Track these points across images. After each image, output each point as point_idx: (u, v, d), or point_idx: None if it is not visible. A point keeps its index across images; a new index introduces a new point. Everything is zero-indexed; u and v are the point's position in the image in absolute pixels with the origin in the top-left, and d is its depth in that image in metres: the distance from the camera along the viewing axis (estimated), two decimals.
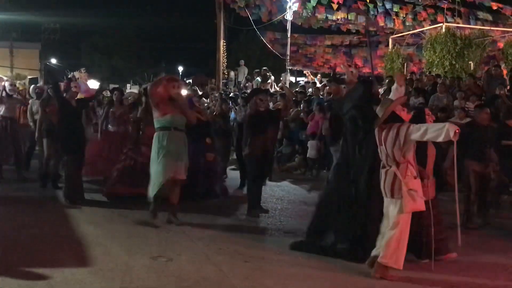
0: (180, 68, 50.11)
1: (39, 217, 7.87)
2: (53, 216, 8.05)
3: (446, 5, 24.95)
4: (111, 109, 10.67)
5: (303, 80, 25.60)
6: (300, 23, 27.90)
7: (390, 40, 24.57)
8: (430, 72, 18.36)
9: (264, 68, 25.00)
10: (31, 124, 10.99)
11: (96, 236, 7.03)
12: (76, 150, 8.87)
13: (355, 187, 6.28)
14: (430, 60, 19.25)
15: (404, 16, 26.62)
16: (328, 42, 30.34)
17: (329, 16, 26.78)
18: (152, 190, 7.60)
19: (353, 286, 5.48)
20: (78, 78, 11.43)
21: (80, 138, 9.02)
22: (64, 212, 8.26)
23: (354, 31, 28.61)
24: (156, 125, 7.69)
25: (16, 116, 11.16)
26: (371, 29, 27.21)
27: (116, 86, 17.15)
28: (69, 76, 11.30)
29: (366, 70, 30.06)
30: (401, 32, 25.07)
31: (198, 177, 9.18)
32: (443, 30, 19.64)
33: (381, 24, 26.85)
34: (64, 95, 8.96)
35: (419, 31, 23.53)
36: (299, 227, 7.42)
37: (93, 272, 5.65)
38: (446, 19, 23.33)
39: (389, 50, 23.47)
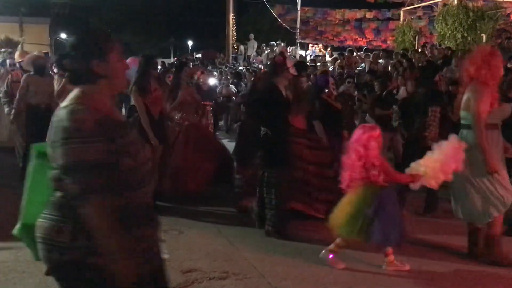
0: (190, 43, 49.87)
1: None
2: None
3: None
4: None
5: (309, 54, 25.40)
6: None
7: (402, 13, 24.28)
8: (441, 45, 18.18)
9: (277, 42, 24.88)
10: None
11: None
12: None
13: None
14: (442, 33, 19.05)
15: None
16: (338, 16, 29.95)
17: None
18: None
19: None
20: None
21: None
22: None
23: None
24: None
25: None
26: None
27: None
28: None
29: (378, 43, 29.81)
30: (413, 4, 24.75)
31: None
32: (455, 2, 19.38)
33: None
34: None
35: (430, 3, 23.22)
36: None
37: None
38: None
39: (400, 23, 23.21)
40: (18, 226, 2.66)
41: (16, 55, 11.55)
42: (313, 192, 6.63)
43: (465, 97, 5.29)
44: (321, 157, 6.78)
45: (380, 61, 16.61)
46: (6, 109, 9.45)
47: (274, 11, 29.33)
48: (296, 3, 26.46)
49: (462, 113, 5.33)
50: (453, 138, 5.14)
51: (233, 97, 15.04)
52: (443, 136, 5.67)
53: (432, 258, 5.55)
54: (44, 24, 37.97)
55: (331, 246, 5.24)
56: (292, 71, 6.34)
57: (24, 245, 5.43)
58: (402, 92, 9.67)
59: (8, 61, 11.36)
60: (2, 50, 12.53)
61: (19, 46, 21.98)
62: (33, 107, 8.64)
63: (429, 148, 5.35)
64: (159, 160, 7.02)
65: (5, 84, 9.60)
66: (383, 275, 5.09)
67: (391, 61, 15.79)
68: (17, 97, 8.80)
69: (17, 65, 10.81)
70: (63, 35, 43.24)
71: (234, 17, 27.70)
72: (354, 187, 4.99)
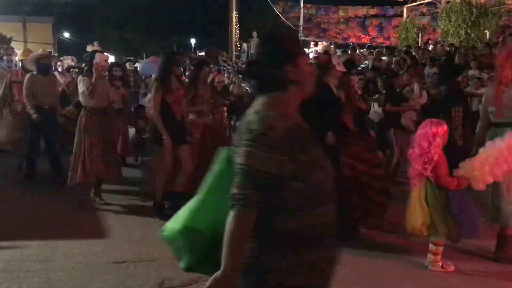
0: (193, 41, 49.91)
1: (58, 192, 7.92)
2: (70, 190, 7.84)
3: None
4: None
5: (311, 51, 25.36)
6: None
7: (405, 10, 24.22)
8: (445, 42, 18.13)
9: None
10: None
11: (112, 208, 7.13)
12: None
13: None
14: (445, 30, 19.00)
15: None
16: (342, 13, 29.89)
17: None
18: None
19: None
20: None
21: None
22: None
23: None
24: None
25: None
26: None
27: (130, 58, 17.06)
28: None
29: (381, 40, 29.76)
30: (416, 1, 24.69)
31: None
32: None
33: None
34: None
35: (434, 0, 23.17)
36: None
37: (110, 243, 5.75)
38: None
39: (404, 19, 23.16)
40: (175, 227, 2.39)
41: (19, 53, 10.83)
42: (367, 193, 6.36)
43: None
44: (373, 157, 6.59)
45: (383, 58, 16.59)
46: (6, 110, 8.99)
47: (277, 9, 29.30)
48: (299, 1, 26.41)
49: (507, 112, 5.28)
50: (509, 136, 4.97)
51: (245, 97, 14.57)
52: (466, 135, 5.60)
53: (464, 260, 5.40)
54: (48, 23, 38.06)
55: (429, 257, 5.10)
56: (340, 68, 6.22)
57: (27, 244, 5.52)
58: (416, 90, 9.69)
59: (5, 58, 10.82)
60: None
61: (21, 44, 21.92)
62: (37, 108, 8.32)
63: (460, 148, 5.23)
64: (175, 162, 6.77)
65: (4, 84, 9.10)
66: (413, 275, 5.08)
67: (394, 58, 15.77)
68: (24, 98, 8.42)
69: (18, 64, 10.37)
70: (66, 34, 43.34)
71: (237, 15, 27.68)
72: (418, 183, 4.93)
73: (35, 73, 8.45)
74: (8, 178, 8.67)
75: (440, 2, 21.61)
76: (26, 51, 9.52)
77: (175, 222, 2.45)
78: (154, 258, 5.28)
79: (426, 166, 4.78)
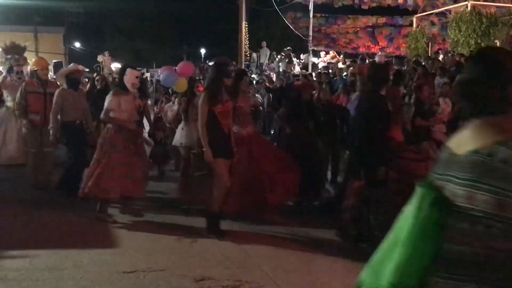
0: (202, 50, 50.11)
1: (68, 202, 7.85)
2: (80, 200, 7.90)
3: None
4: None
5: (323, 61, 25.37)
6: (322, 2, 27.37)
7: (414, 19, 24.19)
8: (455, 52, 18.09)
9: (288, 48, 24.85)
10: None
11: (121, 218, 7.14)
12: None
13: None
14: (455, 39, 18.94)
15: None
16: (351, 24, 29.87)
17: None
18: None
19: None
20: (102, 62, 10.89)
21: None
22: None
23: (376, 6, 27.60)
24: None
25: None
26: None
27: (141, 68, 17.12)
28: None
29: (390, 50, 29.71)
30: (425, 11, 24.65)
31: None
32: (468, 8, 19.29)
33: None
34: None
35: (443, 10, 23.13)
36: None
37: (119, 253, 5.75)
38: None
39: (413, 29, 23.13)
40: (379, 284, 2.12)
41: (32, 63, 10.21)
42: None
43: None
44: (423, 168, 6.40)
45: (359, 64, 16.57)
46: (24, 121, 8.69)
47: (286, 19, 29.34)
48: (308, 10, 26.41)
49: None
50: None
51: (260, 107, 14.14)
52: None
53: None
54: (59, 33, 38.41)
55: None
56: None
57: (37, 253, 5.53)
58: (442, 104, 9.67)
59: (15, 69, 10.68)
60: (9, 56, 11.64)
61: (32, 54, 22.03)
62: (68, 124, 8.08)
63: None
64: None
65: (19, 94, 8.74)
66: None
67: (404, 68, 15.73)
68: (51, 113, 8.07)
69: (27, 73, 10.13)
70: (77, 44, 43.68)
71: (246, 25, 27.74)
72: None
73: (65, 87, 8.21)
74: (17, 188, 8.66)
75: (450, 12, 21.55)
76: (40, 60, 9.20)
77: (375, 278, 2.19)
78: (163, 268, 5.28)
79: None
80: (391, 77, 6.19)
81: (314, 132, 8.26)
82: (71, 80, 8.24)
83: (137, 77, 7.12)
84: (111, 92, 7.13)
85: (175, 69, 8.89)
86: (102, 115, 7.03)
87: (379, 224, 5.76)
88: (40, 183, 8.66)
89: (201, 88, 8.01)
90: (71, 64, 8.79)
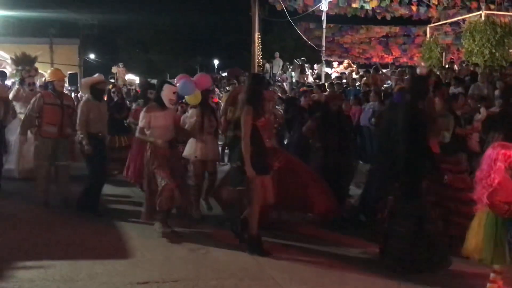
0: (216, 62, 50.36)
1: (82, 213, 7.85)
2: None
3: None
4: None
5: (336, 71, 25.35)
6: (335, 13, 27.39)
7: (428, 29, 24.12)
8: (469, 61, 18.00)
9: (302, 58, 24.87)
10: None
11: (134, 228, 7.14)
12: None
13: None
14: (469, 49, 18.86)
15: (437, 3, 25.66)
16: (364, 34, 29.83)
17: (364, 5, 26.29)
18: None
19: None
20: (116, 73, 10.72)
21: None
22: (103, 207, 8.31)
23: (389, 18, 27.59)
24: None
25: None
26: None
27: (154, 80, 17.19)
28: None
29: (404, 60, 29.63)
30: (439, 21, 24.57)
31: None
32: (482, 18, 19.20)
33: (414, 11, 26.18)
34: None
35: (457, 20, 23.04)
36: None
37: (133, 263, 5.75)
38: (480, 6, 22.70)
39: (427, 39, 23.05)
40: None
41: (47, 74, 9.45)
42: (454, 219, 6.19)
43: None
44: (462, 181, 6.39)
45: (406, 78, 16.46)
46: (29, 135, 8.48)
47: (299, 29, 29.39)
48: (321, 21, 26.43)
49: None
50: None
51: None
52: None
53: None
54: (74, 45, 38.83)
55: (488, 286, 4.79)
56: None
57: (52, 264, 5.55)
58: (483, 112, 9.67)
59: (26, 80, 10.53)
60: (19, 67, 11.19)
61: (47, 65, 22.19)
62: (92, 136, 7.82)
63: None
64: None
65: (30, 106, 8.33)
66: None
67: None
68: (78, 125, 7.83)
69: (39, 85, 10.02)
70: (91, 55, 44.09)
71: (259, 36, 27.84)
72: (481, 207, 4.64)
73: (90, 98, 8.02)
74: (35, 201, 8.59)
75: (463, 22, 21.48)
76: (57, 72, 8.80)
77: None
78: (177, 279, 5.28)
79: (484, 190, 4.51)
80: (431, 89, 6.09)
81: (343, 145, 7.99)
82: (96, 91, 8.04)
83: (174, 92, 6.97)
84: (142, 112, 6.99)
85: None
86: (137, 134, 7.00)
87: (398, 235, 5.66)
88: (48, 198, 8.35)
89: (216, 100, 7.90)
90: (96, 74, 8.52)
